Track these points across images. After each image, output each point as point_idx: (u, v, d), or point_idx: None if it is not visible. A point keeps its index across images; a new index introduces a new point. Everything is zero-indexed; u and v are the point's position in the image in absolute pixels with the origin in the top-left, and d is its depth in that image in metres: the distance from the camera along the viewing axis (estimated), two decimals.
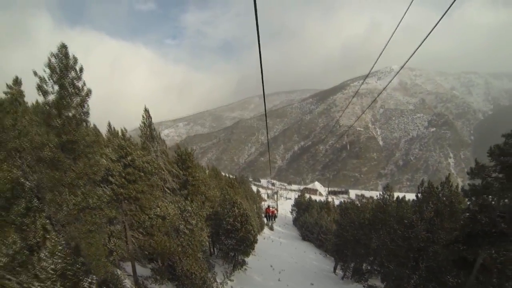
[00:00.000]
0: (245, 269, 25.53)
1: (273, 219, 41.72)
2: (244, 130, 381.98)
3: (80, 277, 8.30)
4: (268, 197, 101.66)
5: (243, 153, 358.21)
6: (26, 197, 8.00)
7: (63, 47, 10.67)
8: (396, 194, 30.36)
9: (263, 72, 4.64)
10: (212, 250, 26.93)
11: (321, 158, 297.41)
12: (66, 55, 10.64)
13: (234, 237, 23.03)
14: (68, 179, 9.79)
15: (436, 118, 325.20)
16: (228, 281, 20.60)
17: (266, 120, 7.55)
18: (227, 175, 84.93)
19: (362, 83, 13.26)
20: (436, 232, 15.33)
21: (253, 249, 25.44)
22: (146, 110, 22.22)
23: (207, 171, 47.58)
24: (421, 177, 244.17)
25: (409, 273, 16.26)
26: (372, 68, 7.52)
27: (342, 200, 78.23)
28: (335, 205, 67.39)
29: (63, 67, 10.37)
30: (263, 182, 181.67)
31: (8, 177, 7.81)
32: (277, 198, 74.79)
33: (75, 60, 10.74)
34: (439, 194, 16.53)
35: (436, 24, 4.59)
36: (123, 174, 12.16)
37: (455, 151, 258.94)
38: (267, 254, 34.96)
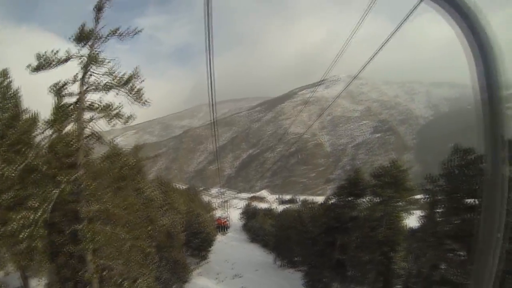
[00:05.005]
0: (207, 262, 35.37)
1: (225, 230, 48.03)
2: (193, 138, 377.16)
3: None
4: (218, 206, 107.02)
5: (192, 162, 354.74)
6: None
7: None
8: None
9: (213, 80, 4.54)
10: (182, 250, 36.26)
11: (269, 165, 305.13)
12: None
13: (199, 237, 32.98)
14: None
15: (381, 124, 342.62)
16: (198, 268, 30.45)
17: (215, 129, 8.62)
18: (178, 185, 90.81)
19: (314, 91, 21.45)
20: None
21: (212, 246, 35.74)
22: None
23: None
24: None
25: (304, 253, 27.66)
26: (324, 75, 7.93)
27: (285, 207, 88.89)
28: (279, 212, 78.23)
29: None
30: (213, 191, 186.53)
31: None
32: (227, 207, 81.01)
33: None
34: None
35: (388, 38, 4.83)
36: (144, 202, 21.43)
37: (399, 154, 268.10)
38: (222, 253, 44.58)
